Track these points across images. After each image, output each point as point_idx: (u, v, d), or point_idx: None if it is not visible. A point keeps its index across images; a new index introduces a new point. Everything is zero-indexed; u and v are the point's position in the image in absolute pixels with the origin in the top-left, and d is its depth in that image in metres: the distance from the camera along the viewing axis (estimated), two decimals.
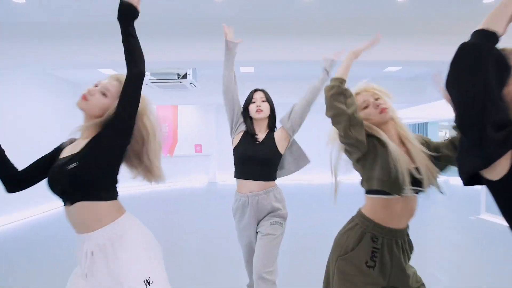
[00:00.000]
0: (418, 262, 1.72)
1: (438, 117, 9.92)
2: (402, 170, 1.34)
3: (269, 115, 2.18)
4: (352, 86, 1.55)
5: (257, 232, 2.07)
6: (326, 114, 1.44)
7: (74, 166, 1.24)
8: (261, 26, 4.58)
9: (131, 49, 1.35)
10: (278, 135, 2.14)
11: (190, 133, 10.17)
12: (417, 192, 1.41)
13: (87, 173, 1.26)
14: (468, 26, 1.12)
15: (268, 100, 2.16)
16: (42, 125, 6.57)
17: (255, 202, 2.03)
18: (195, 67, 6.29)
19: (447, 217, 6.08)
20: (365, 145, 1.39)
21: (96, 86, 1.38)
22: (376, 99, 1.51)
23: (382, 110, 1.48)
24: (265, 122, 2.17)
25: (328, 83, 1.49)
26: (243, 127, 2.17)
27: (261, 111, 2.11)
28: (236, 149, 2.11)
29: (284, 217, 2.08)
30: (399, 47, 4.62)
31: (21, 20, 4.31)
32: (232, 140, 2.17)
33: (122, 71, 1.48)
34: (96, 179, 1.28)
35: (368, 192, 1.48)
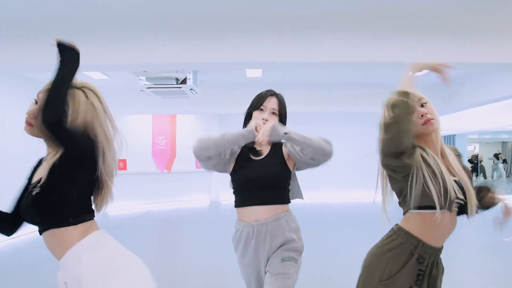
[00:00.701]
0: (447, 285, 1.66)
1: (467, 128, 9.05)
2: (451, 183, 1.36)
3: None
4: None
5: (265, 271, 1.70)
6: (388, 143, 1.36)
7: (36, 193, 1.27)
8: (270, 22, 3.79)
9: (56, 93, 1.26)
10: (286, 151, 1.80)
11: (191, 146, 9.28)
12: (460, 206, 1.43)
13: (49, 200, 1.28)
14: None
15: (281, 113, 1.82)
16: (12, 128, 5.75)
17: (263, 233, 1.68)
18: (196, 71, 5.48)
19: (480, 237, 5.78)
20: (411, 166, 1.37)
21: (37, 103, 1.38)
22: (423, 105, 1.47)
23: (427, 122, 1.45)
24: None
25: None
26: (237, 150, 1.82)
27: None
28: (234, 174, 1.78)
29: (299, 251, 1.74)
30: (424, 47, 3.80)
31: None
32: (229, 169, 1.83)
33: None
34: (61, 207, 1.30)
35: (418, 208, 1.40)
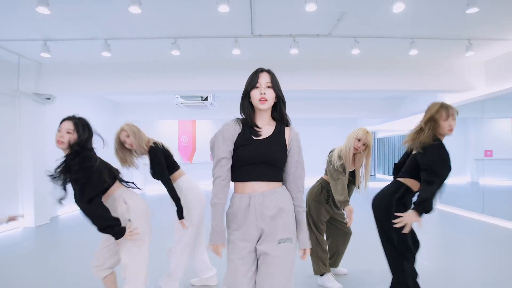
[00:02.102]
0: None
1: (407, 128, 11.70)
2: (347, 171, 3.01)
3: (276, 104, 1.81)
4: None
5: (258, 254, 1.67)
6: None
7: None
8: (266, 63, 6.37)
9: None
10: (288, 134, 1.79)
11: (207, 144, 11.95)
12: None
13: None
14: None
15: (274, 85, 1.78)
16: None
17: (259, 203, 1.68)
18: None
19: None
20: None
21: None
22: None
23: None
24: (269, 113, 1.80)
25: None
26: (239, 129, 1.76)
27: (266, 100, 1.74)
28: (236, 151, 1.73)
29: (294, 230, 1.71)
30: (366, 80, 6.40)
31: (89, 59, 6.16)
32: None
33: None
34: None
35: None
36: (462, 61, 6.41)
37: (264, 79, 1.78)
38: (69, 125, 2.22)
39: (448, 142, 2.41)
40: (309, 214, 3.18)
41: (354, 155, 3.05)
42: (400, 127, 11.73)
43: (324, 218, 3.19)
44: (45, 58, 5.80)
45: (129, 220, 2.29)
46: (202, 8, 4.20)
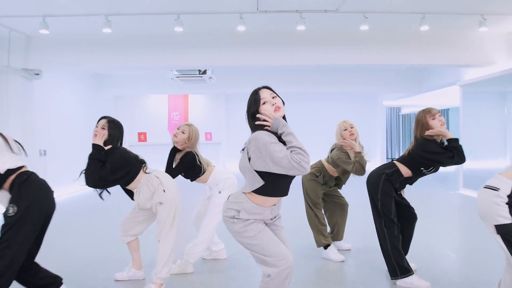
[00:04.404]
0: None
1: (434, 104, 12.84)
2: None
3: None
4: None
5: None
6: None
7: None
8: (268, 37, 7.51)
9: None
10: None
11: (201, 121, 13.13)
12: None
13: None
14: None
15: (278, 95, 2.31)
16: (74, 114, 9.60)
17: (274, 215, 2.39)
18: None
19: (432, 193, 8.99)
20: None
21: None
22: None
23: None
24: None
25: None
26: None
27: (279, 107, 2.26)
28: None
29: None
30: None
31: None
32: None
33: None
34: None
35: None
36: (480, 34, 7.56)
37: (266, 94, 2.27)
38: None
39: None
40: (306, 194, 4.28)
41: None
42: (426, 102, 12.87)
43: (321, 195, 4.32)
44: (35, 31, 6.86)
45: (164, 191, 3.41)
46: None
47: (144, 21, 6.64)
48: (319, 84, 11.51)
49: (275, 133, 2.20)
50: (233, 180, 4.13)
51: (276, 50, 7.54)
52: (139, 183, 3.43)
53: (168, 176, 3.61)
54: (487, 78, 8.04)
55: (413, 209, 3.68)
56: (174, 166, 3.97)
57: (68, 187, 8.78)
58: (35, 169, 3.01)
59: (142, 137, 12.51)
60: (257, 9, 6.10)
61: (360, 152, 3.94)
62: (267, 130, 2.21)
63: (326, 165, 4.28)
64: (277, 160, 2.06)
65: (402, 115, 18.21)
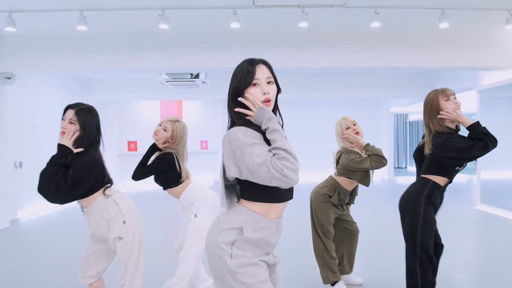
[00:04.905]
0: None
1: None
2: None
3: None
4: None
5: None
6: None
7: None
8: (263, 37, 6.80)
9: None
10: None
11: (196, 129, 12.39)
12: None
13: None
14: None
15: (275, 80, 1.77)
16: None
17: (280, 229, 1.81)
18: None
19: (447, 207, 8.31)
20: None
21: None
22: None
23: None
24: None
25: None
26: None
27: (270, 101, 1.73)
28: None
29: None
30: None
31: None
32: None
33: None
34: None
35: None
36: (505, 33, 6.83)
37: (263, 73, 1.71)
38: None
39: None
40: (315, 218, 3.61)
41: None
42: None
43: (333, 221, 3.67)
44: (1, 29, 6.16)
45: (124, 222, 2.70)
46: None
47: (126, 17, 5.93)
48: (322, 89, 10.82)
49: (260, 129, 1.69)
50: (212, 200, 3.44)
51: (275, 51, 6.82)
52: (92, 204, 2.71)
53: (129, 201, 2.87)
54: (508, 83, 7.31)
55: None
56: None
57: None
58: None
59: (132, 146, 11.74)
60: (253, 4, 5.40)
61: (368, 144, 3.43)
62: (249, 123, 1.70)
63: (339, 179, 3.65)
64: (253, 167, 1.54)
65: (409, 122, 17.68)
